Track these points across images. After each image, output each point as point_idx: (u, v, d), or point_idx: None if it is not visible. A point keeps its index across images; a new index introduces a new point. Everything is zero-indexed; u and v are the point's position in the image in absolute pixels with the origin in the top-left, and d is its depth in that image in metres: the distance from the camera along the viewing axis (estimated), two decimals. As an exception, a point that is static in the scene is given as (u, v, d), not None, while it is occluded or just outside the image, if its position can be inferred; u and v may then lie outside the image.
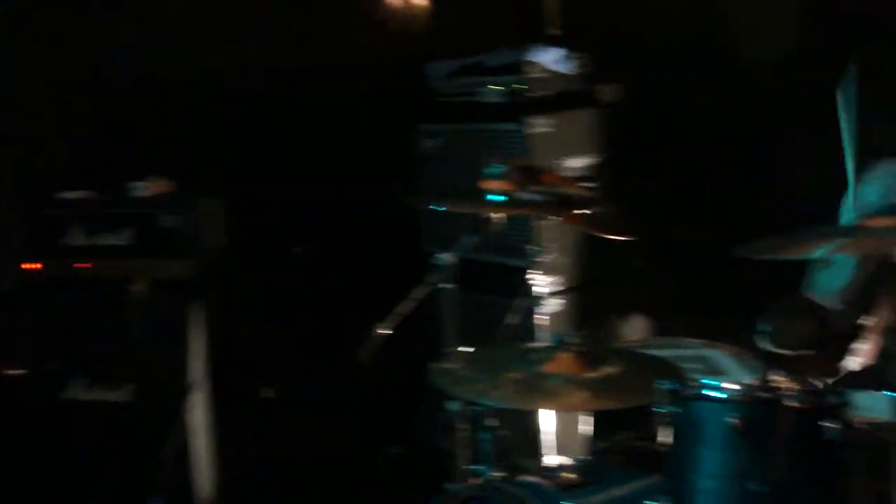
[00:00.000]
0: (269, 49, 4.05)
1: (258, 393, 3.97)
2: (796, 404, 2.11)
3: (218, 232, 3.78)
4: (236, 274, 3.79)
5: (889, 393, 2.37)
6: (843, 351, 2.84)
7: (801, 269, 3.13)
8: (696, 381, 2.26)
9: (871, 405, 2.27)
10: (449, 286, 2.83)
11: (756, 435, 2.08)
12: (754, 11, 3.87)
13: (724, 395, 2.13)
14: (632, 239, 3.12)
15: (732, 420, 2.07)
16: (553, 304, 3.81)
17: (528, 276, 3.01)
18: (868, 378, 2.55)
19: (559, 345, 2.55)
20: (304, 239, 4.09)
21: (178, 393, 3.63)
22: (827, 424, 2.07)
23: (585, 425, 2.78)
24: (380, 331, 2.87)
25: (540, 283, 3.01)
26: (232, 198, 3.79)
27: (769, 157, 3.97)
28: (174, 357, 3.64)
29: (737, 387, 2.14)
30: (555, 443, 2.87)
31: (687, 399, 2.17)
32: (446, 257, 2.83)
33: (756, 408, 2.11)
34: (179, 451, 3.61)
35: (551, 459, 2.80)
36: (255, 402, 3.95)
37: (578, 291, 3.90)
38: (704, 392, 2.16)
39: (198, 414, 3.67)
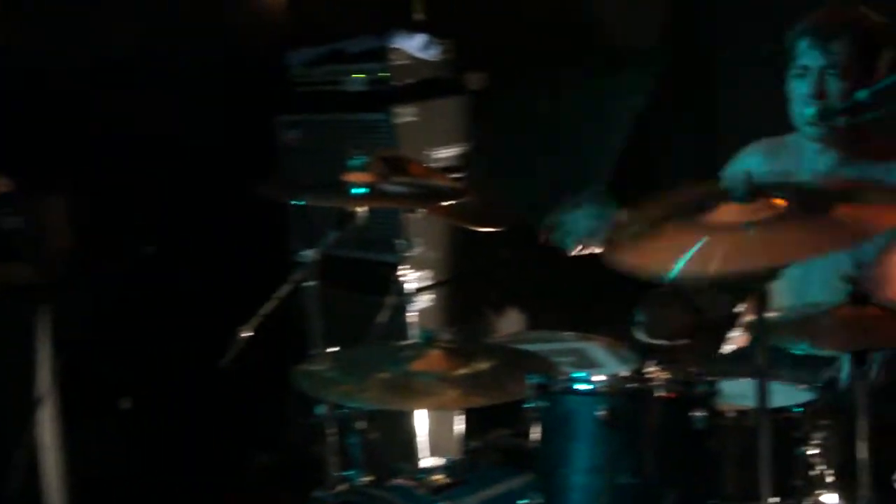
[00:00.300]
0: (115, 35, 3.92)
1: (114, 404, 3.88)
2: (664, 394, 2.15)
3: (62, 232, 3.66)
4: (85, 277, 3.68)
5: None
6: (719, 339, 2.92)
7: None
8: (565, 374, 2.29)
9: (741, 393, 2.33)
10: (312, 284, 2.80)
11: (625, 427, 2.11)
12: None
13: (592, 388, 2.16)
14: (502, 229, 3.14)
15: (600, 413, 2.11)
16: (423, 300, 3.85)
17: (396, 272, 3.00)
18: (738, 365, 2.63)
19: (428, 342, 2.55)
20: (158, 238, 4.00)
21: (25, 406, 3.52)
22: (695, 414, 2.12)
23: (458, 424, 2.79)
24: (242, 333, 2.82)
25: (409, 278, 3.01)
26: (77, 196, 3.69)
27: (651, 141, 4.07)
28: (19, 368, 3.52)
29: (604, 378, 2.17)
30: (427, 444, 2.87)
31: (555, 393, 2.20)
32: (309, 254, 2.80)
33: (624, 399, 2.14)
34: (27, 469, 3.50)
35: (424, 461, 2.80)
36: (111, 414, 3.85)
37: (449, 286, 3.93)
38: (572, 385, 2.19)
39: (47, 428, 3.56)
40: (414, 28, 3.91)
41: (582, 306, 3.97)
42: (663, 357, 3.16)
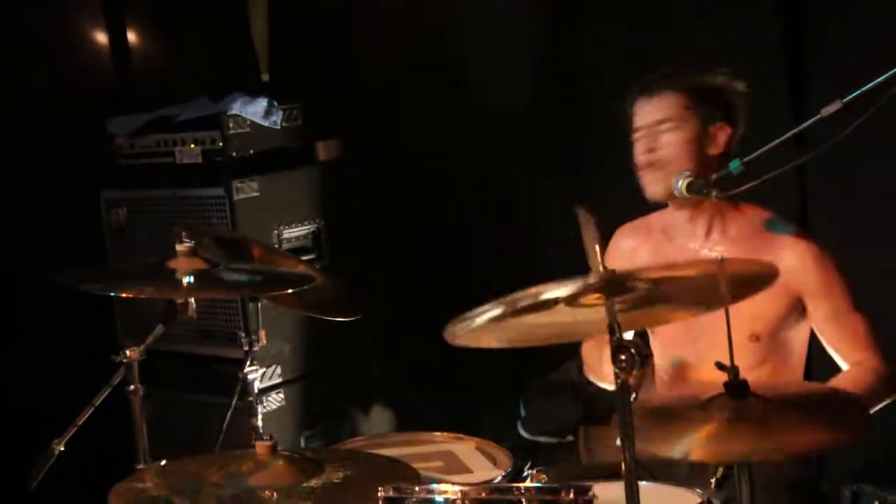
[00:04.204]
0: None
1: None
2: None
3: None
4: None
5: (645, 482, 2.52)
6: (612, 434, 2.98)
7: (566, 346, 3.28)
8: (422, 485, 2.31)
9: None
10: (135, 387, 2.79)
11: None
12: (486, 61, 4.09)
13: (447, 499, 2.18)
14: (362, 318, 3.18)
15: (458, 529, 2.13)
16: (272, 401, 3.85)
17: (239, 368, 3.01)
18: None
19: (273, 450, 2.56)
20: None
21: None
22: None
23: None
24: (56, 447, 2.79)
25: (255, 375, 3.02)
26: None
27: (515, 214, 4.17)
28: None
29: (462, 488, 2.20)
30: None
31: (408, 508, 2.22)
32: (131, 352, 2.79)
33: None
34: None
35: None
36: None
37: (303, 383, 3.93)
38: (427, 497, 2.22)
39: None
40: (257, 91, 3.97)
41: (459, 401, 4.02)
42: (545, 458, 3.22)
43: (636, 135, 2.87)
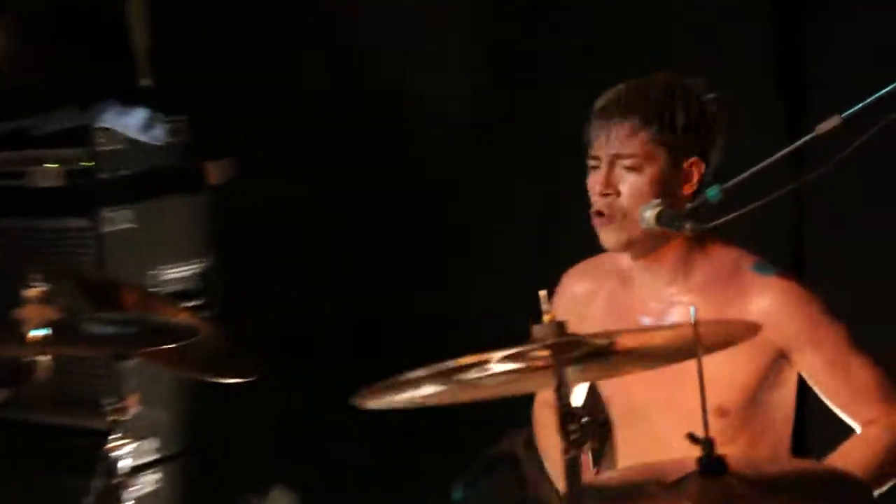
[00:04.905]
0: None
1: None
2: None
3: None
4: None
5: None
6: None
7: (507, 413, 3.25)
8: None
9: None
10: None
11: None
12: (412, 68, 4.10)
13: None
14: (259, 379, 3.14)
15: None
16: (146, 482, 3.77)
17: (105, 443, 2.95)
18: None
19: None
20: None
21: None
22: None
23: None
24: None
25: (124, 451, 2.96)
26: None
27: (454, 253, 4.15)
28: None
29: None
30: None
31: None
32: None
33: None
34: None
35: None
36: None
37: (185, 460, 3.89)
38: None
39: None
40: (134, 99, 3.93)
41: (380, 481, 3.97)
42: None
43: (591, 163, 2.75)
